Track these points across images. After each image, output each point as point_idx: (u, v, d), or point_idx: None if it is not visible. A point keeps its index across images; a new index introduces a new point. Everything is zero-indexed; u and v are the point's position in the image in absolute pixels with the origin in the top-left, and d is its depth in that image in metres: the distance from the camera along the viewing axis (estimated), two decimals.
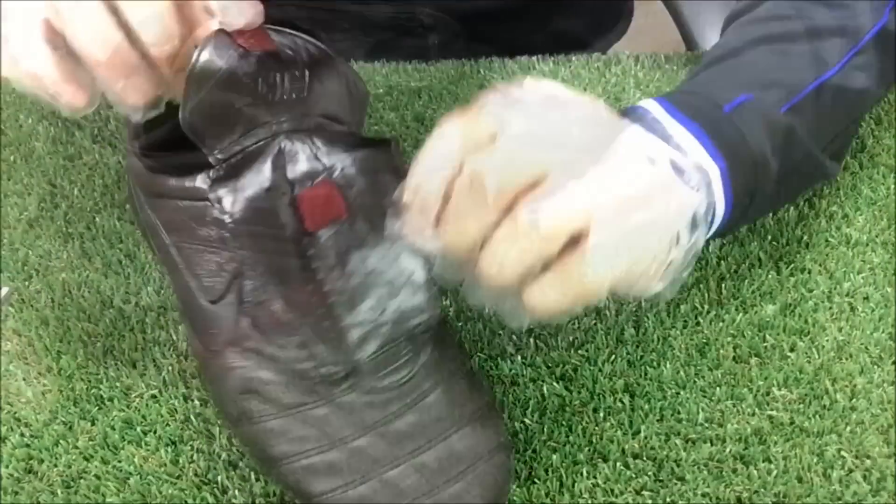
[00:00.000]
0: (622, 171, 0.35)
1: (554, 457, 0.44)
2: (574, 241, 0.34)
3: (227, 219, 0.39)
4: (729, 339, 0.49)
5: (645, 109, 0.44)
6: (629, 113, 0.44)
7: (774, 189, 0.47)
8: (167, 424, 0.46)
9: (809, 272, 0.52)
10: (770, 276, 0.52)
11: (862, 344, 0.48)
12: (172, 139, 0.43)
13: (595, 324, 0.50)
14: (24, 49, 0.39)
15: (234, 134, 0.39)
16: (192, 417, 0.46)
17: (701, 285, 0.51)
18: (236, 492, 0.43)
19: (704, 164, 0.42)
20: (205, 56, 0.38)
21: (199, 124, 0.39)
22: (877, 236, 0.54)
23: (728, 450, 0.44)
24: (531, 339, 0.49)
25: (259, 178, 0.39)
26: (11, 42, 0.39)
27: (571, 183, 0.34)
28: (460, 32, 0.79)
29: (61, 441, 0.45)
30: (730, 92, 0.47)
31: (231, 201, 0.39)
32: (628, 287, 0.36)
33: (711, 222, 0.43)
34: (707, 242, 0.54)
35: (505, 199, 0.34)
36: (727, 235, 0.51)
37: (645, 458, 0.44)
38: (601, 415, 0.46)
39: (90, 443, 0.45)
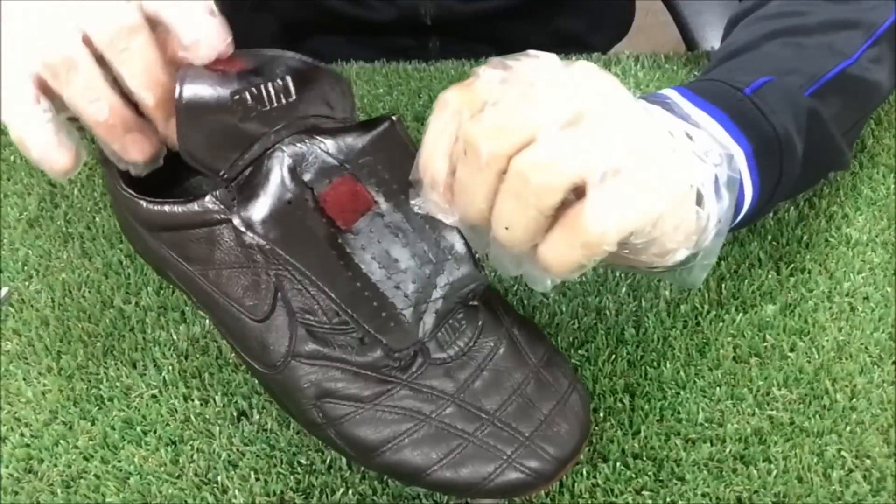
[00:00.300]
0: (622, 124, 0.35)
1: None
2: (580, 195, 0.34)
3: (256, 240, 0.39)
4: (729, 339, 0.49)
5: (663, 95, 0.44)
6: (648, 100, 0.43)
7: (800, 173, 0.46)
8: (167, 424, 0.46)
9: (809, 272, 0.52)
10: (770, 276, 0.52)
11: (862, 344, 0.48)
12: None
13: (595, 324, 0.50)
14: (13, 109, 0.39)
15: (237, 152, 0.39)
16: (192, 417, 0.46)
17: (701, 286, 0.51)
18: (236, 492, 0.43)
19: (729, 146, 0.41)
20: (187, 90, 0.38)
21: (200, 154, 0.39)
22: (877, 236, 0.54)
23: (728, 450, 0.44)
24: None
25: (278, 191, 0.39)
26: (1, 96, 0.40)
27: (563, 136, 0.34)
28: (461, 33, 0.79)
29: (61, 441, 0.45)
30: (749, 77, 0.46)
31: (258, 221, 0.39)
32: (647, 244, 0.36)
33: (740, 208, 0.43)
34: None
35: (499, 161, 0.34)
36: (755, 221, 0.50)
37: (645, 458, 0.44)
38: (601, 415, 0.46)
39: (90, 443, 0.45)
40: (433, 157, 0.37)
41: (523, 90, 0.35)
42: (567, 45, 0.74)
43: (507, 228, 0.35)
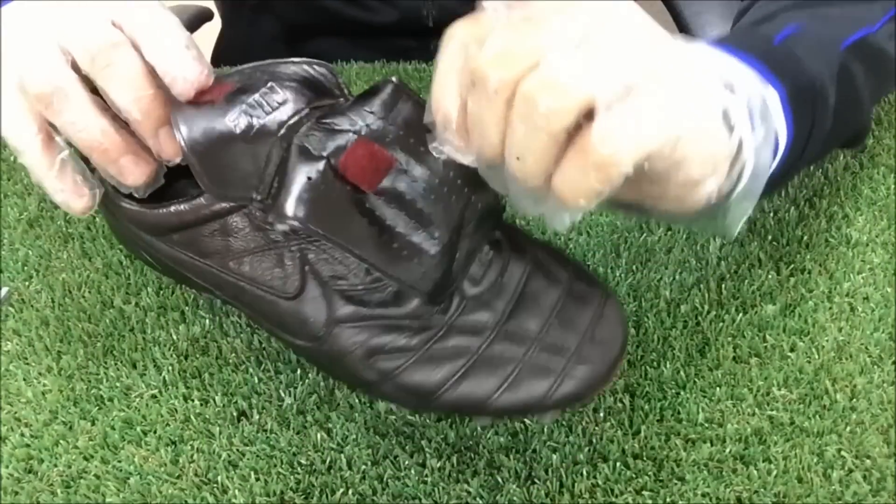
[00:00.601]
0: (636, 43, 0.33)
1: (554, 457, 0.44)
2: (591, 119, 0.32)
3: (289, 226, 0.39)
4: (729, 339, 0.49)
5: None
6: None
7: (831, 127, 0.45)
8: (167, 424, 0.46)
9: (809, 272, 0.52)
10: (770, 276, 0.52)
11: (862, 344, 0.48)
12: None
13: None
14: (28, 155, 0.41)
15: (258, 171, 0.40)
16: (192, 417, 0.46)
17: (701, 285, 0.51)
18: (236, 492, 0.43)
19: (761, 90, 0.39)
20: (187, 133, 0.39)
21: (229, 190, 0.40)
22: (877, 236, 0.54)
23: (728, 450, 0.44)
24: None
25: (297, 174, 0.39)
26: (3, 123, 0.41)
27: (571, 56, 0.32)
28: None
29: (61, 441, 0.45)
30: (774, 26, 0.45)
31: (287, 208, 0.39)
32: (670, 171, 0.34)
33: (775, 152, 0.41)
34: (707, 242, 0.54)
35: (508, 87, 0.33)
36: (786, 180, 0.47)
37: (645, 458, 0.44)
38: (601, 415, 0.46)
39: (90, 443, 0.45)
40: (443, 94, 0.35)
41: (529, 14, 0.33)
42: None
43: (518, 159, 0.34)
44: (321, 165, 0.38)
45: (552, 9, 0.34)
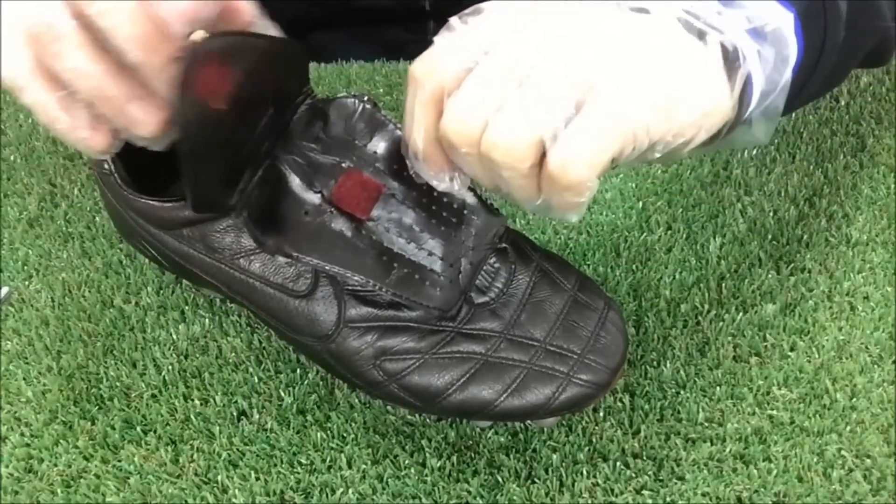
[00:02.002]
0: (565, 59, 0.35)
1: (554, 457, 0.44)
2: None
3: (287, 255, 0.41)
4: (729, 339, 0.49)
5: None
6: None
7: (844, 38, 0.45)
8: (167, 424, 0.46)
9: (809, 272, 0.52)
10: (770, 276, 0.52)
11: (862, 344, 0.48)
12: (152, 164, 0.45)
13: None
14: (25, 92, 0.38)
15: (241, 182, 0.41)
16: (192, 417, 0.46)
17: (701, 285, 0.51)
18: (236, 491, 0.43)
19: (773, 7, 0.39)
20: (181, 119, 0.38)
21: (212, 201, 0.40)
22: (877, 236, 0.54)
23: (728, 449, 0.44)
24: None
25: (293, 208, 0.40)
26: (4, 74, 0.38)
27: (510, 108, 0.34)
28: None
29: (61, 441, 0.45)
30: None
31: (285, 242, 0.40)
32: (657, 145, 0.36)
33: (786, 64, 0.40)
34: (707, 242, 0.54)
35: (474, 148, 0.35)
36: (804, 97, 0.47)
37: (645, 458, 0.44)
38: (601, 415, 0.46)
39: (90, 443, 0.45)
40: (410, 132, 0.38)
41: (478, 59, 0.36)
42: None
43: (507, 193, 0.37)
44: (316, 199, 0.40)
45: (489, 52, 0.36)
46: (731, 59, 0.37)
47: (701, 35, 0.37)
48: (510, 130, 0.34)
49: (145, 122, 0.38)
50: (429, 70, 0.37)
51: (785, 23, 0.39)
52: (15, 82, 0.37)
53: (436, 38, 0.38)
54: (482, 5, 0.38)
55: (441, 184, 0.39)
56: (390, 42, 0.78)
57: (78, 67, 0.36)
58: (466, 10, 0.38)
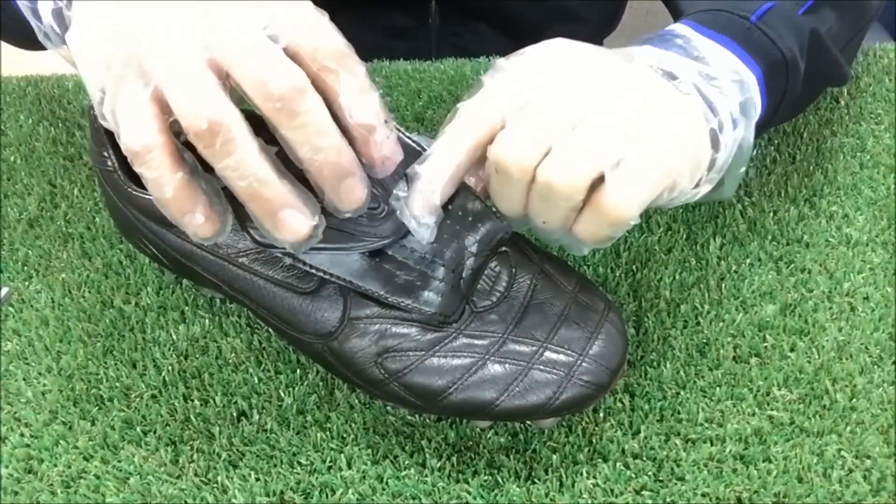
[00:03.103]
0: (626, 108, 0.38)
1: (554, 457, 0.44)
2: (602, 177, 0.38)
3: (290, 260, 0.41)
4: (729, 339, 0.49)
5: (673, 33, 0.46)
6: (656, 39, 0.45)
7: (801, 90, 0.50)
8: (167, 424, 0.46)
9: (809, 272, 0.52)
10: (770, 276, 0.52)
11: (862, 344, 0.48)
12: None
13: None
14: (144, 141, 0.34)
15: None
16: (192, 417, 0.46)
17: (701, 285, 0.51)
18: (236, 492, 0.43)
19: (741, 73, 0.44)
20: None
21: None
22: (877, 236, 0.54)
23: (728, 450, 0.44)
24: None
25: None
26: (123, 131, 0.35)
27: (574, 138, 0.38)
28: (460, 5, 0.78)
29: (61, 441, 0.45)
30: (752, 4, 0.48)
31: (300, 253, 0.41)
32: (670, 198, 0.41)
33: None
34: (707, 242, 0.54)
35: (527, 175, 0.38)
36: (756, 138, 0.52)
37: (645, 458, 0.44)
38: (601, 415, 0.46)
39: (90, 443, 0.45)
40: (442, 170, 0.40)
41: (531, 99, 0.39)
42: (562, 18, 0.73)
43: (544, 223, 0.40)
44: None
45: (545, 90, 0.39)
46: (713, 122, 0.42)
47: (705, 99, 0.42)
48: (571, 164, 0.37)
49: (293, 229, 0.36)
50: (481, 107, 0.40)
51: (754, 88, 0.45)
52: (139, 153, 0.34)
53: (484, 78, 0.41)
54: (525, 49, 0.42)
55: (423, 219, 0.39)
56: (391, 26, 0.78)
57: (241, 168, 0.34)
58: (512, 53, 0.41)
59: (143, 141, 0.34)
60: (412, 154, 0.40)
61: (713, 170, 0.42)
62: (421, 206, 0.39)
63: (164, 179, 0.35)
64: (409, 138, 0.41)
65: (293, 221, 0.36)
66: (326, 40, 0.35)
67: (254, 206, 0.35)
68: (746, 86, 0.44)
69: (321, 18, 0.36)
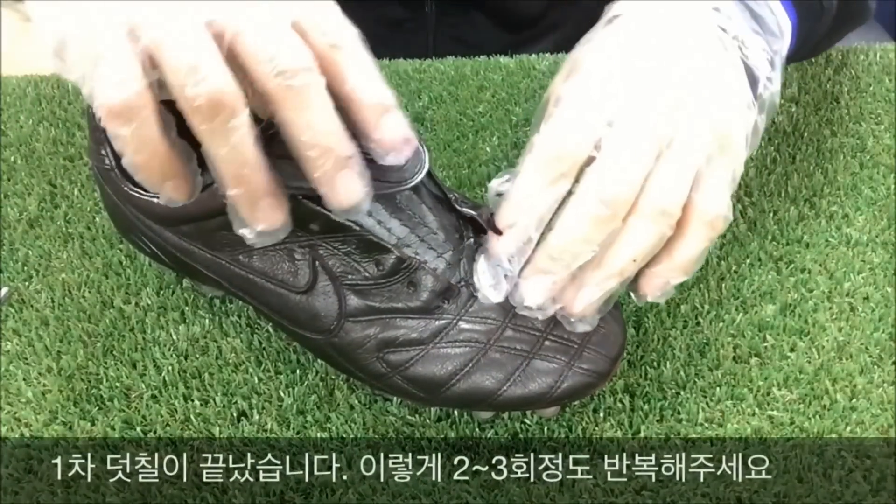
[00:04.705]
0: (703, 108, 0.39)
1: (554, 457, 0.44)
2: None
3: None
4: (729, 339, 0.49)
5: None
6: None
7: (826, 31, 0.53)
8: (167, 424, 0.46)
9: (809, 272, 0.52)
10: (770, 276, 0.52)
11: (862, 344, 0.48)
12: None
13: None
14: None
15: None
16: (192, 417, 0.46)
17: (701, 285, 0.51)
18: (236, 492, 0.43)
19: (781, 24, 0.45)
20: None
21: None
22: (877, 236, 0.54)
23: (728, 450, 0.44)
24: None
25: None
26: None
27: (666, 165, 0.39)
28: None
29: (61, 441, 0.45)
30: None
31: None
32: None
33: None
34: None
35: (625, 209, 0.39)
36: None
37: (645, 458, 0.44)
38: (601, 415, 0.46)
39: (90, 443, 0.45)
40: (528, 216, 0.41)
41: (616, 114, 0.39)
42: (560, 7, 0.73)
43: (635, 260, 0.40)
44: None
45: (629, 126, 0.39)
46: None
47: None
48: (669, 190, 0.38)
49: (270, 219, 0.35)
50: (561, 148, 0.39)
51: (787, 36, 0.46)
52: (119, 110, 0.32)
53: (557, 112, 0.40)
54: (580, 60, 0.42)
55: (503, 261, 0.41)
56: (388, 17, 0.77)
57: (235, 149, 0.32)
58: (564, 69, 0.42)
59: (124, 95, 0.31)
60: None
61: (756, 135, 0.43)
62: (504, 255, 0.42)
63: (146, 141, 0.32)
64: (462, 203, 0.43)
65: (271, 210, 0.35)
66: (336, 21, 0.34)
67: (238, 191, 0.34)
68: (783, 38, 0.45)
69: (329, 1, 0.35)
